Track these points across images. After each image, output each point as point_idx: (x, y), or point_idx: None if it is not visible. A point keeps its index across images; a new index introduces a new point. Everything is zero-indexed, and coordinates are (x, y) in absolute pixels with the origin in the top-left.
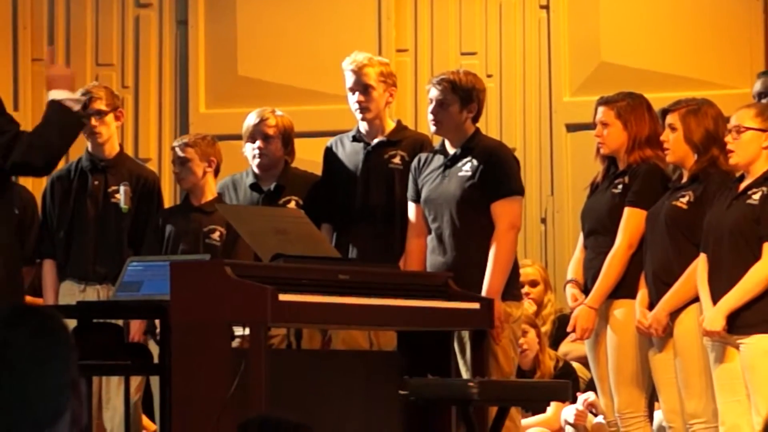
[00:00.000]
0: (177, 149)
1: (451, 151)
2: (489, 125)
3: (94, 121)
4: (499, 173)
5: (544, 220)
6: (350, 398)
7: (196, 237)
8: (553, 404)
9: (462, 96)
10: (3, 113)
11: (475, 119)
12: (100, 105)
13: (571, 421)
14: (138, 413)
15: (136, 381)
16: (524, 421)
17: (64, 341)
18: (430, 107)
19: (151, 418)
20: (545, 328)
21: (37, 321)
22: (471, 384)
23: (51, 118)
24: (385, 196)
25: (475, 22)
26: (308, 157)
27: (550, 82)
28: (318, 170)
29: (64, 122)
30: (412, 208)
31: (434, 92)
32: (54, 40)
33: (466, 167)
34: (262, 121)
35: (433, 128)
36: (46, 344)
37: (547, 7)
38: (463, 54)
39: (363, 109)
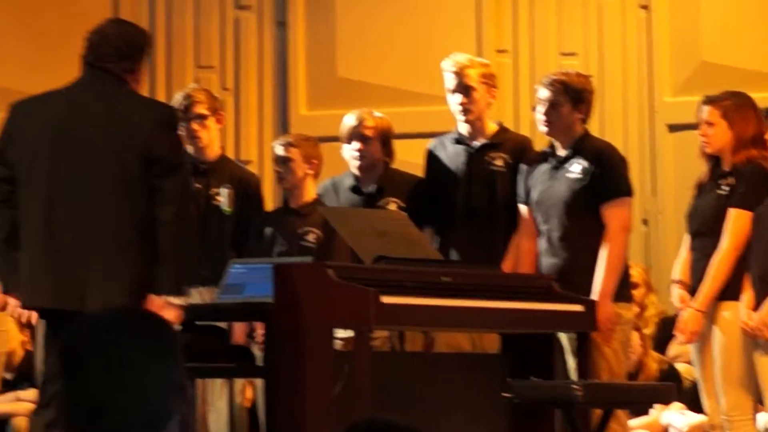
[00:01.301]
0: (280, 148)
1: (560, 152)
2: (589, 126)
3: (195, 125)
4: (609, 175)
5: (645, 222)
6: (453, 401)
7: (291, 239)
8: (656, 407)
9: (573, 97)
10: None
11: (585, 120)
12: (201, 109)
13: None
14: (242, 416)
15: (239, 384)
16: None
17: (171, 344)
18: (541, 108)
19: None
20: (648, 331)
21: (144, 323)
22: (575, 386)
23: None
24: (487, 199)
25: (574, 23)
26: (408, 159)
27: (651, 82)
28: (418, 172)
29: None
30: (523, 209)
31: (545, 93)
32: (154, 42)
33: (576, 169)
34: (361, 122)
35: (543, 129)
36: (154, 346)
37: (647, 7)
38: (562, 54)
39: (465, 110)
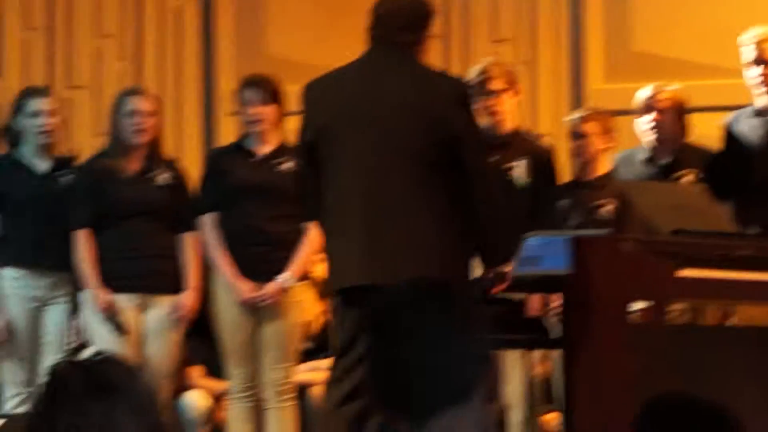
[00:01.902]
0: (577, 122)
1: None
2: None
3: (490, 100)
4: None
5: None
6: (751, 377)
7: (586, 211)
8: None
9: None
10: None
11: None
12: (497, 83)
13: None
14: (537, 388)
15: (535, 356)
16: None
17: (478, 315)
18: None
19: None
20: None
21: (452, 294)
22: None
23: None
24: None
25: None
26: (705, 132)
27: None
28: (714, 146)
29: None
30: None
31: None
32: (448, 16)
33: None
34: (655, 94)
35: None
36: (462, 317)
37: None
38: None
39: (764, 83)
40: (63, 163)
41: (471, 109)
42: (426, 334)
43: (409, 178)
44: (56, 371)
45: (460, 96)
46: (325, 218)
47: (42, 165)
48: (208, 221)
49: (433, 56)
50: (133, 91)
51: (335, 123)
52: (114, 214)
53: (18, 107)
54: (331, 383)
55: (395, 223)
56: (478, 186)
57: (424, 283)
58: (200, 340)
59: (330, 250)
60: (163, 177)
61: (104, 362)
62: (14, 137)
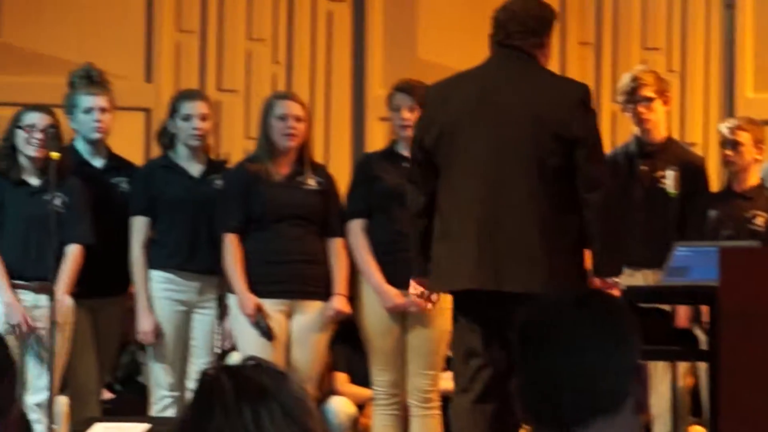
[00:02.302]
0: (728, 131)
1: None
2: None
3: (641, 108)
4: None
5: None
6: None
7: (738, 222)
8: None
9: None
10: None
11: None
12: (648, 91)
13: None
14: (685, 399)
15: (682, 367)
16: None
17: (629, 325)
18: None
19: None
20: None
21: (603, 304)
22: None
23: None
24: None
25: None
26: None
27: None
28: None
29: None
30: None
31: None
32: (600, 23)
33: None
34: None
35: None
36: (613, 328)
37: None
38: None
39: None
40: (215, 167)
41: (592, 115)
42: (577, 343)
43: (527, 187)
44: (207, 376)
45: (581, 100)
46: (438, 219)
47: (194, 168)
48: (356, 227)
49: (584, 63)
50: (284, 95)
51: (455, 126)
52: (263, 218)
53: (172, 110)
54: (458, 390)
55: (509, 231)
56: (595, 193)
57: (575, 292)
58: (346, 347)
59: (440, 251)
60: (312, 181)
61: (255, 367)
62: (169, 140)
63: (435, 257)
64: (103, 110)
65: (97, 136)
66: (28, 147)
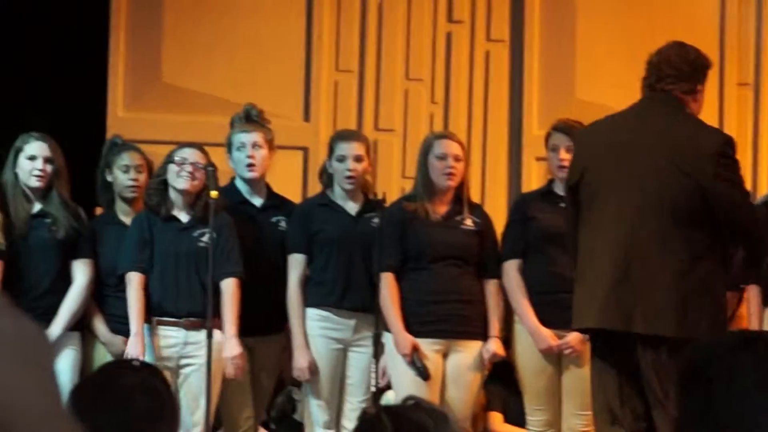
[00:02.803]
0: None
1: None
2: None
3: None
4: None
5: None
6: None
7: None
8: None
9: None
10: None
11: None
12: None
13: None
14: None
15: None
16: None
17: None
18: None
19: None
20: None
21: (764, 347)
22: None
23: None
24: None
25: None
26: None
27: None
28: None
29: None
30: None
31: None
32: (759, 64)
33: None
34: None
35: None
36: None
37: None
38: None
39: None
40: (372, 205)
41: (732, 165)
42: (749, 386)
43: (663, 231)
44: (367, 415)
45: (721, 152)
46: (579, 260)
47: (351, 206)
48: (512, 267)
49: (743, 104)
50: (444, 135)
51: (596, 168)
52: (420, 257)
53: (330, 150)
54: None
55: (643, 274)
56: (748, 241)
57: (739, 336)
58: (500, 386)
59: (578, 291)
60: (469, 221)
61: (415, 407)
62: (328, 179)
63: (575, 297)
64: (255, 146)
65: (248, 173)
66: (178, 180)
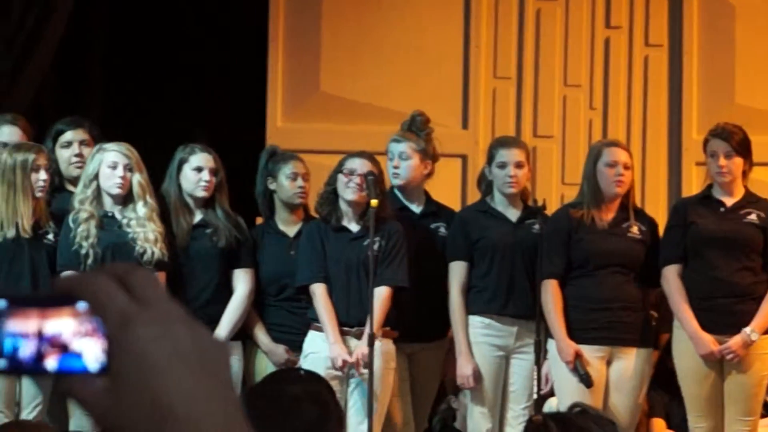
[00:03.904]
0: None
1: None
2: None
3: None
4: None
5: None
6: None
7: None
8: None
9: None
10: None
11: None
12: None
13: None
14: None
15: None
16: None
17: None
18: None
19: None
20: None
21: None
22: None
23: None
24: None
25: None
26: None
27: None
28: None
29: None
30: None
31: None
32: None
33: None
34: None
35: None
36: None
37: None
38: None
39: None
40: (532, 212)
41: None
42: None
43: None
44: (534, 423)
45: None
46: None
47: (512, 213)
48: (672, 272)
49: None
50: (613, 143)
51: None
52: (585, 264)
53: (490, 156)
54: None
55: None
56: None
57: None
58: (662, 393)
59: None
60: (635, 229)
61: (582, 414)
62: (487, 186)
63: None
64: (402, 156)
65: (393, 181)
66: (347, 191)
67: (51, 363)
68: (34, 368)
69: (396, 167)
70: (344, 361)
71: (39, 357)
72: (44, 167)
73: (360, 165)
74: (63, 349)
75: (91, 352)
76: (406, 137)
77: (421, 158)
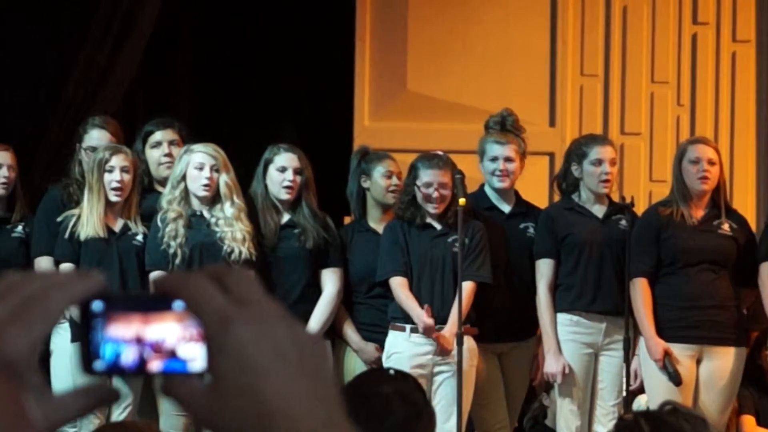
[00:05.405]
0: None
1: None
2: None
3: None
4: None
5: None
6: None
7: None
8: None
9: None
10: None
11: None
12: None
13: None
14: None
15: None
16: None
17: None
18: None
19: None
20: None
21: None
22: None
23: None
24: None
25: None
26: None
27: None
28: None
29: None
30: None
31: None
32: None
33: None
34: None
35: None
36: None
37: None
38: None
39: None
40: (619, 208)
41: None
42: None
43: None
44: (624, 421)
45: None
46: None
47: (598, 210)
48: (767, 270)
49: None
50: (697, 140)
51: None
52: (675, 261)
53: (580, 154)
54: None
55: None
56: None
57: None
58: (753, 390)
59: None
60: (726, 226)
61: (672, 412)
62: (571, 184)
63: None
64: (508, 159)
65: (498, 184)
66: (428, 206)
67: (154, 367)
68: (136, 373)
69: (503, 171)
70: (431, 327)
71: (142, 362)
72: (120, 168)
73: (435, 176)
74: (167, 354)
75: (193, 354)
76: (508, 140)
77: (519, 160)
